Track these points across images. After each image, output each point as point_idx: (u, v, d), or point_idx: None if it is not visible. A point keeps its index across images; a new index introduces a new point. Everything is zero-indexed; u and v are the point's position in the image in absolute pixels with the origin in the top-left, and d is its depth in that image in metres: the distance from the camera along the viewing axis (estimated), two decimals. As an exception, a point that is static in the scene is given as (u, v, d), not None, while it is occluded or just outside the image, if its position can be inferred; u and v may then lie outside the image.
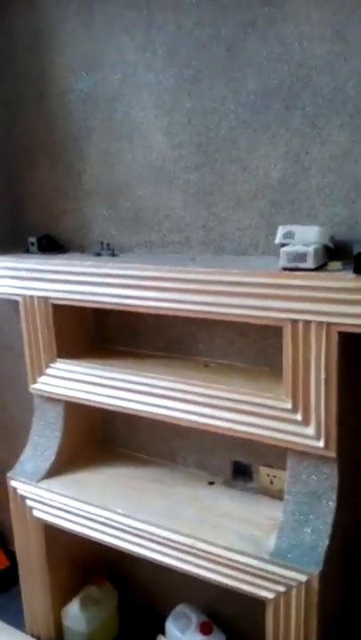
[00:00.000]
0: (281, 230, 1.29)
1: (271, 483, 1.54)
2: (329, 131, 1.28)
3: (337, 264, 1.23)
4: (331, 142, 1.28)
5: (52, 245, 1.69)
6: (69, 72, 1.59)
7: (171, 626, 1.67)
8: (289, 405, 1.29)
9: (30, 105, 1.68)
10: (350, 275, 1.15)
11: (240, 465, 1.61)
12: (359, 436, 1.41)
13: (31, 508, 1.66)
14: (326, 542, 1.27)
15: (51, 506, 1.61)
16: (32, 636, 1.80)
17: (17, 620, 1.85)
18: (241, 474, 1.61)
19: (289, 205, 1.37)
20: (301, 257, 1.21)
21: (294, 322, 1.23)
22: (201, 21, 1.37)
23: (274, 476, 1.53)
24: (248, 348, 1.52)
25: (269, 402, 1.32)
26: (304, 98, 1.29)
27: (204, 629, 1.60)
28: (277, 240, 1.29)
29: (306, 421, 1.27)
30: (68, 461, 1.71)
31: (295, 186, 1.35)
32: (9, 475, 1.70)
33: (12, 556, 2.13)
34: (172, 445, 1.70)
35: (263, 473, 1.55)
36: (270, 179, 1.37)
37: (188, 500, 1.54)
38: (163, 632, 1.67)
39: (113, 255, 1.57)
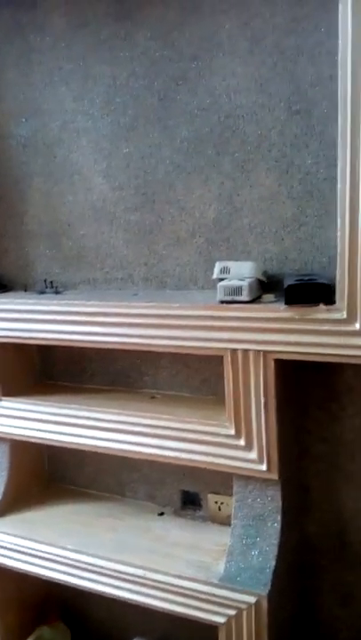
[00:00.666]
0: (218, 266, 1.38)
1: (219, 509, 1.58)
2: (257, 174, 1.38)
3: (270, 296, 1.32)
4: (259, 185, 1.39)
5: (-5, 285, 1.71)
6: (9, 118, 1.64)
7: (125, 662, 1.66)
8: (232, 431, 1.35)
9: (-29, 149, 1.72)
10: (282, 306, 1.24)
11: (188, 494, 1.65)
12: (301, 457, 1.48)
13: (-21, 551, 1.63)
14: (273, 563, 1.32)
15: (-1, 547, 1.60)
16: None
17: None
18: (190, 502, 1.65)
19: (225, 243, 1.46)
20: (237, 290, 1.29)
21: (233, 351, 1.31)
22: (135, 74, 1.47)
23: (222, 503, 1.57)
24: (192, 378, 1.58)
25: (214, 429, 1.37)
26: (233, 144, 1.39)
27: (159, 662, 1.61)
28: (215, 275, 1.37)
29: (249, 446, 1.34)
30: (15, 501, 1.70)
31: (229, 225, 1.44)
32: None
33: None
34: (121, 479, 1.73)
35: (211, 500, 1.60)
36: (206, 218, 1.46)
37: (139, 531, 1.56)
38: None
39: (57, 293, 1.61)
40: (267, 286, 1.38)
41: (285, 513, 1.37)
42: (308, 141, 1.32)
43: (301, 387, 1.44)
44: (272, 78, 1.33)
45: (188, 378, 1.58)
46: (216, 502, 1.58)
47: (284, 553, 1.37)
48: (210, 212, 1.45)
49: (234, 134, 1.39)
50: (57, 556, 1.51)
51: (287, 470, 1.38)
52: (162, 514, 1.65)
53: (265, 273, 1.39)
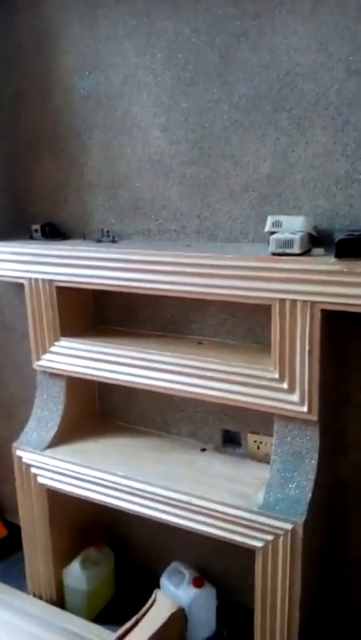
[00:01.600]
0: (270, 220, 1.45)
1: (258, 448, 1.70)
2: (313, 131, 1.44)
3: (320, 250, 1.39)
4: (314, 142, 1.44)
5: (54, 232, 1.81)
6: (73, 72, 1.72)
7: (165, 581, 1.83)
8: (276, 375, 1.45)
9: (35, 103, 1.80)
10: (332, 259, 1.31)
11: (229, 433, 1.77)
12: (339, 403, 1.58)
13: (36, 476, 1.79)
14: (309, 496, 1.44)
15: (55, 472, 1.75)
16: (34, 595, 1.94)
17: (18, 583, 1.98)
18: (230, 441, 1.78)
19: (277, 198, 1.53)
20: (289, 243, 1.37)
21: (282, 301, 1.39)
22: (197, 30, 1.52)
23: (260, 442, 1.69)
24: (238, 327, 1.68)
25: (259, 372, 1.48)
26: (291, 101, 1.45)
27: (197, 583, 1.77)
28: (267, 228, 1.45)
29: (291, 389, 1.44)
30: (69, 432, 1.85)
31: (283, 180, 1.51)
32: (14, 445, 1.82)
33: (8, 525, 2.27)
34: (167, 417, 1.86)
35: (251, 439, 1.72)
36: (260, 173, 1.53)
37: (183, 464, 1.70)
38: (158, 588, 1.83)
39: (113, 242, 1.71)
40: (317, 240, 1.45)
41: (322, 452, 1.48)
42: (365, 101, 1.37)
43: (344, 338, 1.53)
44: (332, 38, 1.37)
45: (234, 326, 1.68)
46: (255, 441, 1.70)
47: (319, 489, 1.48)
48: (264, 167, 1.52)
49: (292, 92, 1.44)
50: (109, 481, 1.66)
51: (326, 413, 1.49)
52: (204, 450, 1.78)
53: (315, 228, 1.46)
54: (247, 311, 1.64)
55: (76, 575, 1.87)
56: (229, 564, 1.84)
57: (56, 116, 1.78)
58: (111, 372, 1.68)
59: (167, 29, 1.55)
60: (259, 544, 1.47)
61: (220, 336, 1.70)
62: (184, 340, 1.73)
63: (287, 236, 1.37)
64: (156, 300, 1.75)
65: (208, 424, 1.79)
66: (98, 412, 1.99)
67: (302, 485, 1.46)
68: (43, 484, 1.79)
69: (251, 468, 1.67)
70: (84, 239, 1.78)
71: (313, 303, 1.36)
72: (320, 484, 1.49)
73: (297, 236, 1.36)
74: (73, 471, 1.72)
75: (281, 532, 1.43)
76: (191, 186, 1.63)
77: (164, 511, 1.59)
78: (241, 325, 1.67)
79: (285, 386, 1.44)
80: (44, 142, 1.82)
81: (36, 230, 1.80)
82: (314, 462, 1.47)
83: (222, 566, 1.86)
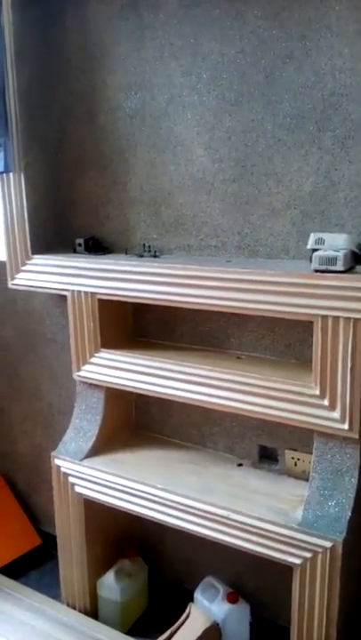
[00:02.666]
0: (313, 237, 1.46)
1: (295, 465, 1.70)
2: (356, 151, 1.45)
3: (362, 267, 1.41)
4: (358, 161, 1.46)
5: (97, 247, 1.86)
6: (119, 91, 1.76)
7: (199, 596, 1.82)
8: (317, 392, 1.45)
9: (81, 120, 1.85)
10: (376, 276, 1.32)
11: (266, 449, 1.77)
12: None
13: (73, 485, 1.82)
14: (349, 514, 1.44)
15: (92, 482, 1.77)
16: (68, 605, 1.95)
17: (52, 592, 2.00)
18: (267, 457, 1.78)
19: (319, 215, 1.54)
20: (332, 260, 1.38)
21: (324, 317, 1.40)
22: (243, 51, 1.55)
23: (298, 459, 1.69)
24: (277, 343, 1.69)
25: (299, 389, 1.48)
26: (335, 121, 1.47)
27: (231, 599, 1.76)
28: (309, 245, 1.46)
29: (332, 406, 1.44)
30: (107, 443, 1.88)
31: (325, 198, 1.52)
32: (53, 454, 1.85)
33: (42, 534, 2.30)
34: (203, 431, 1.87)
35: (288, 456, 1.72)
36: (302, 191, 1.55)
37: (220, 478, 1.70)
38: (192, 602, 1.83)
39: (155, 256, 1.74)
40: (360, 258, 1.46)
41: (361, 470, 1.47)
42: None
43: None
44: (378, 58, 1.39)
45: (272, 342, 1.69)
46: (293, 458, 1.70)
47: (359, 507, 1.48)
48: (306, 185, 1.54)
49: (336, 112, 1.46)
50: (146, 493, 1.67)
51: (365, 431, 1.48)
52: (240, 465, 1.78)
53: (359, 245, 1.47)
54: (286, 327, 1.65)
55: (110, 586, 1.88)
56: (263, 581, 1.83)
57: (101, 133, 1.82)
58: (148, 383, 1.71)
59: (213, 50, 1.59)
60: (297, 561, 1.47)
61: (259, 351, 1.72)
62: (223, 354, 1.75)
63: (331, 253, 1.39)
64: (195, 315, 1.77)
65: (245, 439, 1.79)
66: (134, 423, 2.02)
67: (342, 503, 1.46)
68: (80, 494, 1.81)
69: (288, 484, 1.67)
70: (126, 254, 1.82)
71: (356, 320, 1.37)
72: (359, 502, 1.48)
73: (340, 254, 1.38)
74: (110, 481, 1.74)
75: (320, 550, 1.43)
76: (233, 203, 1.65)
77: (200, 525, 1.59)
78: (280, 341, 1.68)
79: (326, 402, 1.45)
80: (88, 159, 1.87)
81: (80, 244, 1.85)
82: (354, 480, 1.46)
83: (255, 583, 1.85)
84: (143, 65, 1.71)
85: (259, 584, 1.85)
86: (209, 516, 1.57)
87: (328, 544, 1.41)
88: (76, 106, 1.85)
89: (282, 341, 1.68)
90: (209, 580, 1.86)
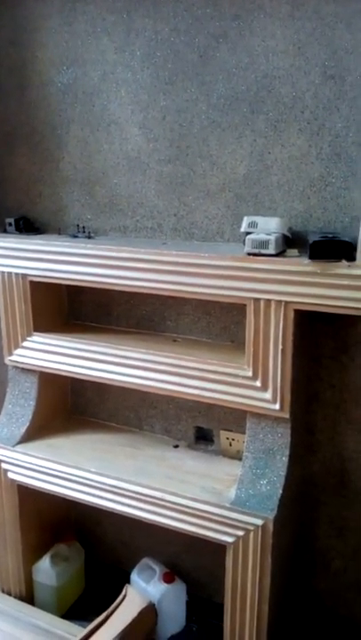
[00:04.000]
0: (246, 220, 1.47)
1: (230, 445, 1.72)
2: (289, 134, 1.46)
3: (294, 251, 1.42)
4: (290, 144, 1.47)
5: (28, 227, 1.80)
6: (50, 66, 1.70)
7: (136, 577, 1.84)
8: (250, 373, 1.47)
9: (12, 95, 1.77)
10: (306, 260, 1.34)
11: (202, 430, 1.79)
12: (310, 401, 1.62)
13: (6, 471, 1.78)
14: (280, 492, 1.47)
15: (26, 468, 1.74)
16: (2, 591, 1.92)
17: (-13, 580, 1.97)
18: (203, 438, 1.80)
19: (253, 198, 1.55)
20: (264, 244, 1.39)
21: (256, 300, 1.42)
22: (177, 29, 1.52)
23: (233, 439, 1.71)
24: (213, 326, 1.69)
25: (233, 370, 1.50)
26: (268, 104, 1.47)
27: (167, 579, 1.78)
28: (242, 229, 1.47)
29: (264, 387, 1.46)
30: (41, 428, 1.84)
31: (258, 181, 1.53)
32: (-15, 441, 1.81)
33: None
34: (140, 414, 1.86)
35: (223, 436, 1.74)
36: (236, 174, 1.55)
37: (156, 460, 1.71)
38: (129, 583, 1.84)
39: (89, 237, 1.70)
40: (291, 242, 1.48)
41: (293, 449, 1.51)
42: (340, 106, 1.40)
43: (315, 337, 1.56)
44: (310, 43, 1.40)
45: (208, 325, 1.69)
46: (227, 438, 1.72)
47: (289, 485, 1.52)
48: (240, 167, 1.54)
49: (269, 94, 1.46)
50: (81, 477, 1.66)
51: (297, 411, 1.52)
52: (176, 446, 1.79)
53: (290, 229, 1.49)
54: (222, 310, 1.65)
55: (45, 571, 1.86)
56: (199, 561, 1.86)
57: (32, 108, 1.76)
58: (84, 367, 1.68)
59: (147, 27, 1.56)
60: (230, 539, 1.50)
61: (195, 334, 1.72)
62: (159, 337, 1.74)
63: (263, 236, 1.40)
64: (131, 297, 1.76)
65: (181, 421, 1.80)
66: (70, 408, 1.99)
67: (273, 482, 1.49)
68: (13, 480, 1.78)
69: (223, 464, 1.69)
70: (59, 234, 1.77)
71: (287, 303, 1.39)
72: (291, 481, 1.52)
73: (272, 237, 1.39)
74: (44, 467, 1.71)
75: (252, 528, 1.46)
76: (168, 184, 1.64)
77: (136, 507, 1.60)
78: (215, 324, 1.69)
79: (258, 384, 1.47)
80: (19, 135, 1.80)
81: (10, 224, 1.78)
82: (285, 459, 1.50)
83: (192, 562, 1.88)
84: (75, 39, 1.65)
85: (195, 563, 1.88)
86: (144, 498, 1.58)
87: (259, 522, 1.45)
88: (6, 80, 1.78)
89: (218, 324, 1.69)
90: (146, 561, 1.87)
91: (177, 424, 1.82)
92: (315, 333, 1.56)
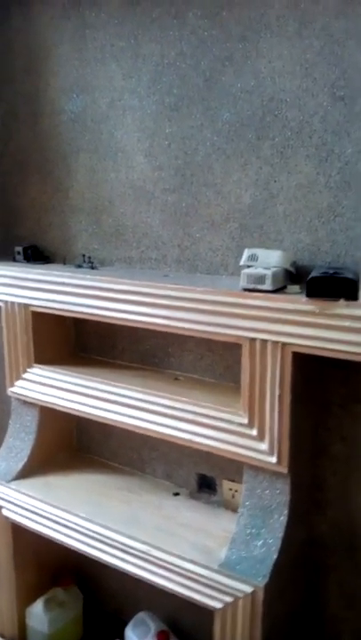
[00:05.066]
0: (246, 253, 1.36)
1: (233, 497, 1.58)
2: (296, 161, 1.34)
3: (295, 287, 1.29)
4: (297, 172, 1.35)
5: (37, 255, 1.76)
6: (62, 93, 1.68)
7: (130, 632, 1.70)
8: (245, 420, 1.34)
9: (26, 123, 1.77)
10: (304, 298, 1.20)
11: (205, 478, 1.65)
12: (318, 454, 1.45)
13: (0, 507, 1.71)
14: (275, 556, 1.31)
15: (18, 506, 1.66)
16: (-4, 634, 1.85)
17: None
18: (206, 486, 1.66)
19: (258, 230, 1.43)
20: (261, 279, 1.27)
21: (252, 340, 1.29)
22: (183, 53, 1.45)
23: (236, 491, 1.57)
24: (216, 364, 1.57)
25: (227, 416, 1.37)
26: (274, 129, 1.36)
27: (161, 638, 1.64)
28: (242, 262, 1.35)
29: (261, 437, 1.32)
30: (40, 465, 1.77)
31: (264, 211, 1.41)
32: (-19, 473, 1.76)
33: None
34: (143, 455, 1.75)
35: (226, 487, 1.60)
36: (241, 203, 1.44)
37: (151, 508, 1.59)
38: (122, 638, 1.71)
39: (92, 268, 1.64)
40: (295, 277, 1.35)
41: (294, 507, 1.35)
42: (350, 129, 1.27)
43: (324, 383, 1.41)
44: (318, 62, 1.28)
45: (212, 363, 1.57)
46: (230, 489, 1.58)
47: (290, 547, 1.35)
48: (245, 197, 1.43)
49: (275, 119, 1.36)
50: (69, 521, 1.56)
51: (300, 465, 1.36)
52: (177, 494, 1.66)
53: (294, 263, 1.36)
54: (225, 348, 1.53)
55: (38, 616, 1.77)
56: (201, 619, 1.70)
57: (45, 137, 1.74)
58: (80, 404, 1.61)
59: (154, 52, 1.50)
60: (217, 605, 1.34)
61: (198, 372, 1.60)
62: (161, 374, 1.64)
63: (259, 271, 1.28)
64: (135, 331, 1.67)
65: (183, 466, 1.68)
66: (75, 444, 1.91)
67: (269, 544, 1.33)
68: (7, 517, 1.71)
69: (222, 518, 1.55)
70: (64, 263, 1.72)
71: (284, 344, 1.25)
72: (291, 543, 1.36)
73: (269, 272, 1.26)
74: (34, 507, 1.63)
75: (240, 595, 1.30)
76: (173, 214, 1.55)
77: (122, 559, 1.48)
78: (219, 362, 1.56)
79: (255, 432, 1.33)
80: (32, 164, 1.79)
81: (19, 252, 1.76)
82: (283, 519, 1.34)
83: (193, 620, 1.72)
84: (85, 66, 1.62)
85: (196, 621, 1.72)
86: (130, 550, 1.46)
87: (249, 589, 1.29)
88: (21, 108, 1.77)
89: (221, 363, 1.56)
90: (142, 615, 1.73)
91: (179, 469, 1.69)
92: (323, 378, 1.40)
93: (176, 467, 1.69)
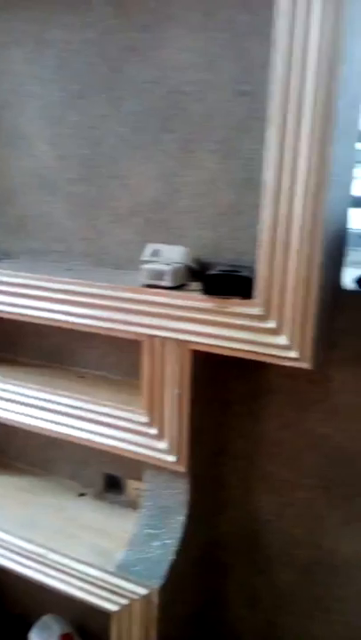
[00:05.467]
0: (149, 248, 1.32)
1: (138, 496, 1.55)
2: (199, 156, 1.32)
3: (197, 285, 1.27)
4: (200, 167, 1.33)
5: None
6: None
7: (34, 636, 1.65)
8: (146, 419, 1.31)
9: None
10: (201, 295, 1.18)
11: (112, 477, 1.62)
12: (220, 453, 1.44)
13: None
14: (171, 557, 1.29)
15: None
16: None
17: None
18: (113, 486, 1.62)
19: (162, 224, 1.40)
20: (160, 275, 1.24)
21: (151, 337, 1.26)
22: (88, 40, 1.40)
23: (142, 490, 1.54)
24: (123, 361, 1.54)
25: (128, 415, 1.33)
26: (177, 122, 1.33)
27: (65, 642, 1.60)
28: (144, 257, 1.32)
29: (160, 436, 1.30)
30: None
31: (168, 206, 1.38)
32: None
33: None
34: (48, 455, 1.70)
35: (131, 486, 1.57)
36: (146, 197, 1.41)
37: (53, 510, 1.54)
38: (24, 644, 1.66)
39: (-4, 260, 1.57)
40: (199, 274, 1.32)
41: (194, 507, 1.33)
42: (253, 125, 1.26)
43: (226, 381, 1.40)
44: (222, 56, 1.26)
45: (118, 360, 1.54)
46: (135, 488, 1.55)
47: (190, 548, 1.34)
48: (150, 190, 1.40)
49: (179, 111, 1.33)
50: (-35, 525, 1.49)
51: (201, 465, 1.35)
52: (83, 495, 1.62)
53: (197, 260, 1.34)
54: (131, 345, 1.49)
55: None
56: (105, 622, 1.66)
57: None
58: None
59: (58, 38, 1.44)
60: (114, 607, 1.31)
61: (104, 369, 1.56)
62: (66, 371, 1.59)
63: (159, 266, 1.25)
64: (39, 327, 1.60)
65: (89, 466, 1.63)
66: (-22, 444, 1.83)
67: (166, 545, 1.31)
68: None
69: (127, 518, 1.51)
70: (-34, 256, 1.64)
71: (183, 342, 1.23)
72: (191, 543, 1.34)
73: (169, 268, 1.24)
74: None
75: (136, 597, 1.28)
76: (78, 205, 1.50)
77: (20, 563, 1.42)
78: (126, 359, 1.53)
79: (155, 431, 1.30)
80: None
81: None
82: (182, 519, 1.32)
83: (98, 623, 1.68)
84: (-14, 48, 1.54)
85: (102, 625, 1.68)
86: (27, 553, 1.40)
87: (144, 591, 1.26)
88: None
89: (127, 360, 1.53)
90: (46, 619, 1.68)
91: (85, 469, 1.65)
92: (225, 377, 1.39)
93: (83, 466, 1.65)
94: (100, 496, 1.62)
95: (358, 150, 1.23)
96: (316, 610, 1.41)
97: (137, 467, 1.52)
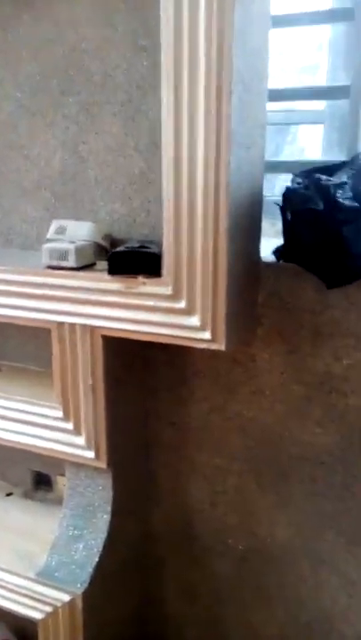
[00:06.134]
0: (54, 225, 1.21)
1: (67, 493, 1.45)
2: (102, 120, 1.19)
3: (105, 264, 1.15)
4: (105, 132, 1.20)
5: None
6: None
7: (-32, 646, 1.55)
8: (60, 414, 1.20)
9: None
10: (107, 276, 1.07)
11: (40, 475, 1.51)
12: (149, 444, 1.35)
13: None
14: (96, 560, 1.20)
15: None
16: None
17: None
18: (42, 484, 1.52)
19: (71, 198, 1.28)
20: (64, 254, 1.12)
21: (60, 324, 1.15)
22: (-24, -6, 1.25)
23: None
24: (42, 351, 1.41)
25: (42, 410, 1.23)
26: (78, 83, 1.20)
27: (1, 648, 1.51)
28: (49, 235, 1.20)
29: (77, 430, 1.19)
30: None
31: (75, 178, 1.26)
32: None
33: None
34: (-27, 454, 1.58)
35: (60, 483, 1.47)
36: (51, 169, 1.28)
37: (-24, 513, 1.43)
38: None
39: None
40: (108, 252, 1.21)
41: (120, 503, 1.24)
42: (156, 84, 1.13)
43: (150, 367, 1.29)
44: (119, 10, 1.13)
45: (37, 349, 1.42)
46: (64, 485, 1.45)
47: (118, 547, 1.25)
48: (55, 161, 1.27)
49: (79, 72, 1.19)
50: None
51: (126, 458, 1.25)
52: (10, 494, 1.51)
53: (109, 237, 1.22)
54: (49, 332, 1.38)
55: None
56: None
57: None
58: None
59: None
60: (39, 615, 1.22)
61: (23, 360, 1.44)
62: (-17, 364, 1.47)
63: (62, 245, 1.12)
64: None
65: (16, 463, 1.52)
66: None
67: (90, 546, 1.22)
68: None
69: (56, 517, 1.40)
70: None
71: (93, 328, 1.12)
72: (119, 542, 1.25)
73: (72, 246, 1.12)
74: None
75: (59, 604, 1.18)
76: (-20, 181, 1.36)
77: None
78: (44, 348, 1.39)
79: (71, 426, 1.20)
80: None
81: None
82: (106, 517, 1.23)
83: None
84: None
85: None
86: None
87: (67, 597, 1.17)
88: None
89: (47, 349, 1.40)
90: (-18, 625, 1.59)
91: (12, 467, 1.54)
92: (147, 362, 1.29)
93: (9, 464, 1.54)
94: (28, 494, 1.52)
95: (271, 111, 1.12)
96: (257, 598, 1.34)
97: (64, 462, 1.42)
